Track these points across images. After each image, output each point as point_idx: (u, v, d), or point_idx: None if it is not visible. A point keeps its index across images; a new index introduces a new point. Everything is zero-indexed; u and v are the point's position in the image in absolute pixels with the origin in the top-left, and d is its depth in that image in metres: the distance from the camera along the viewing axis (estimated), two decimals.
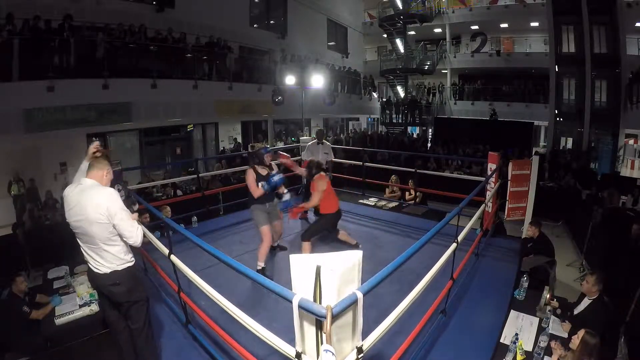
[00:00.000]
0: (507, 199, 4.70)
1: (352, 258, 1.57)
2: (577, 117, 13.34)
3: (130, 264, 2.26)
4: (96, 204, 2.05)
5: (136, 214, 2.43)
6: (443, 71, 17.76)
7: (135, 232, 2.17)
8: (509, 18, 15.85)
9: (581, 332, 2.24)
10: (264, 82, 11.09)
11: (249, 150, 4.24)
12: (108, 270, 2.17)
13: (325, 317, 1.32)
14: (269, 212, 3.84)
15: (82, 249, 2.21)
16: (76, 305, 3.18)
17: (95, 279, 2.23)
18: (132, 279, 2.27)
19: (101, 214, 2.05)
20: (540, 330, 2.71)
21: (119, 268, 2.19)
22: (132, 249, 2.33)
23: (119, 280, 2.19)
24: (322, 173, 3.94)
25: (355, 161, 6.99)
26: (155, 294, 3.36)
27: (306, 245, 3.85)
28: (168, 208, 5.07)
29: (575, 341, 2.22)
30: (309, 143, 5.85)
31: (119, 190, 2.73)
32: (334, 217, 3.95)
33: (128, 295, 2.25)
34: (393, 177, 6.95)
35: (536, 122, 14.56)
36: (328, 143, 5.79)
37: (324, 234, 4.24)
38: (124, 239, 2.18)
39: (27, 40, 6.65)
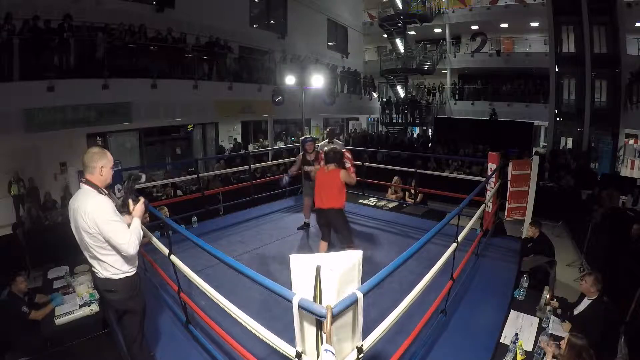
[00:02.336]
0: (507, 199, 4.70)
1: (352, 258, 1.57)
2: (577, 117, 13.34)
3: (129, 274, 2.17)
4: (83, 213, 1.96)
5: (138, 210, 2.21)
6: (443, 71, 17.75)
7: (126, 242, 1.99)
8: (509, 18, 15.85)
9: (567, 337, 2.26)
10: (264, 82, 11.09)
11: (249, 149, 4.58)
12: (103, 277, 2.13)
13: (325, 317, 1.32)
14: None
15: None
16: (76, 305, 3.18)
17: (95, 280, 2.23)
18: (129, 289, 2.19)
19: (89, 225, 1.96)
20: (540, 330, 2.72)
21: (115, 277, 2.12)
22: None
23: (113, 288, 2.13)
24: (324, 167, 3.78)
25: (356, 161, 6.99)
26: (155, 294, 3.36)
27: (322, 244, 3.89)
28: (165, 209, 5.04)
29: (563, 346, 2.22)
30: (321, 143, 5.74)
31: (118, 190, 2.66)
32: (316, 213, 3.86)
33: (121, 304, 2.23)
34: (396, 178, 6.94)
35: (536, 122, 14.56)
36: (339, 142, 5.75)
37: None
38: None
39: (27, 40, 6.65)
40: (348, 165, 4.04)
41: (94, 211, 1.95)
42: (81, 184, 2.05)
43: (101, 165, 2.02)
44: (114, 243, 2.00)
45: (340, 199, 3.72)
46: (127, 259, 2.14)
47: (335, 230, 3.84)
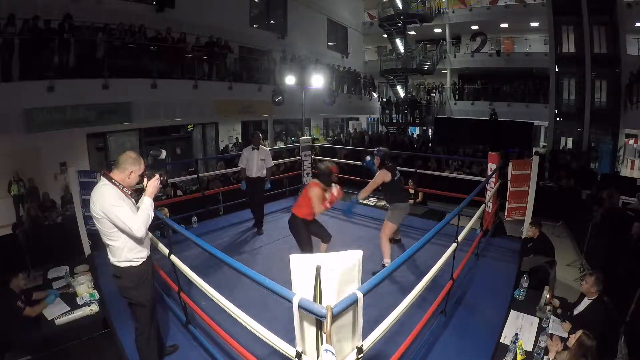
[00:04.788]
0: (507, 199, 4.70)
1: (352, 258, 1.57)
2: (577, 117, 13.35)
3: (134, 264, 2.24)
4: (93, 202, 2.13)
5: (150, 187, 2.22)
6: (443, 71, 17.75)
7: (130, 225, 2.08)
8: (509, 18, 15.85)
9: (579, 332, 2.26)
10: (264, 82, 11.10)
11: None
12: (111, 262, 2.25)
13: (325, 317, 1.32)
14: None
15: None
16: (76, 305, 3.18)
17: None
18: (135, 279, 2.26)
19: (95, 210, 2.12)
20: (540, 330, 2.72)
21: (120, 265, 2.22)
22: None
23: (119, 274, 2.24)
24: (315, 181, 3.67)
25: (355, 161, 6.98)
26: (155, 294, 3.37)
27: (321, 246, 3.88)
28: (165, 209, 5.03)
29: (572, 340, 2.23)
30: (244, 149, 5.37)
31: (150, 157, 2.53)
32: None
33: (127, 292, 2.28)
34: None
35: (536, 122, 14.56)
36: (265, 148, 5.37)
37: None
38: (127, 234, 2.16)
39: (27, 40, 6.65)
40: (328, 195, 3.62)
41: (99, 197, 2.11)
42: (103, 176, 2.21)
43: (131, 170, 2.20)
44: (120, 227, 2.12)
45: (302, 208, 3.58)
46: (131, 247, 2.21)
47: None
